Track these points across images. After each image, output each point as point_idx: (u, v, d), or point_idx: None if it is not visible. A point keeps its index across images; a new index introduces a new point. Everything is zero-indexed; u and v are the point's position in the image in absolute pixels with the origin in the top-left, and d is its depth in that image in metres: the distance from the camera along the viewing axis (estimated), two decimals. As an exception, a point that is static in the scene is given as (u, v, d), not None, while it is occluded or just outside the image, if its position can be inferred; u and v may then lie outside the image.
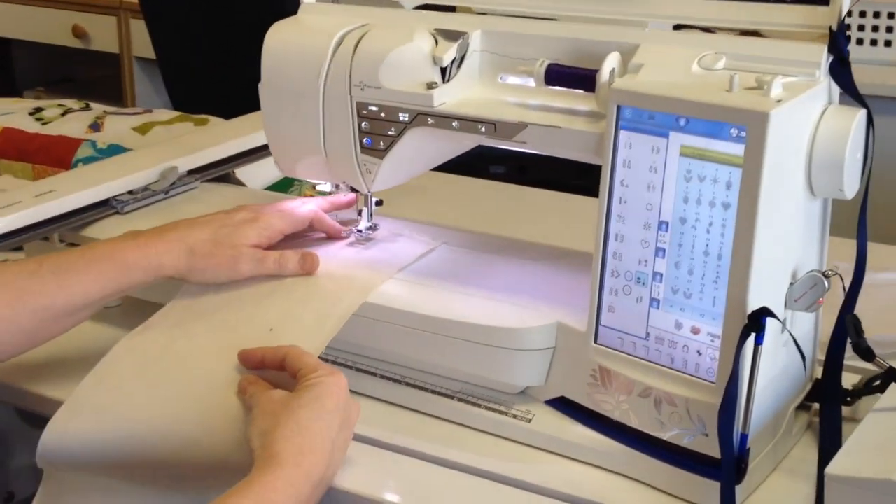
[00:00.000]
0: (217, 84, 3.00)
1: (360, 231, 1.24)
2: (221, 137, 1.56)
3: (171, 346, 1.09)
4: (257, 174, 1.58)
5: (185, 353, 1.08)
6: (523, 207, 1.64)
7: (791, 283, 0.97)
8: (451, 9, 1.20)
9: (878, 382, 1.05)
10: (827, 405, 1.06)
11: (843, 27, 0.96)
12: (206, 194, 1.46)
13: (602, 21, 1.06)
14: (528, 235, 1.26)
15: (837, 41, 0.96)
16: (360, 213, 1.24)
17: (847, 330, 0.99)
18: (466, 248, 1.22)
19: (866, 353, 0.99)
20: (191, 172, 1.48)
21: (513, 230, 1.30)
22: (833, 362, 1.05)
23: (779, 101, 0.90)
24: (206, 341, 1.09)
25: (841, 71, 0.97)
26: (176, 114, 2.00)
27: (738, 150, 0.91)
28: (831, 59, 0.97)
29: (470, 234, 1.25)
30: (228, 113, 2.05)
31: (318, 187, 1.26)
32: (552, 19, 1.10)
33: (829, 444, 1.03)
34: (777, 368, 0.98)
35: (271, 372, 1.03)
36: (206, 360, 1.07)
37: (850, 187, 0.97)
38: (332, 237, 1.23)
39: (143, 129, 1.91)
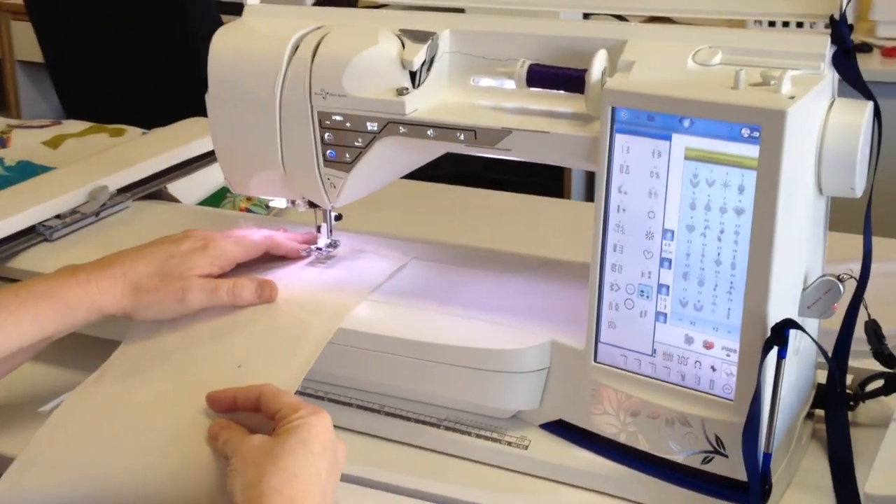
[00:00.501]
0: (116, 88, 2.87)
1: (319, 249, 1.15)
2: (150, 151, 1.45)
3: (129, 395, 0.99)
4: (190, 189, 1.48)
5: (144, 400, 0.98)
6: (492, 213, 1.57)
7: (804, 289, 0.92)
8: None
9: (876, 384, 1.01)
10: (833, 412, 1.01)
11: (845, 16, 0.91)
12: (139, 214, 1.36)
13: (584, 15, 0.99)
14: (503, 244, 1.19)
15: (840, 31, 0.90)
16: (318, 229, 1.16)
17: (867, 335, 0.94)
18: (439, 262, 1.14)
19: (888, 360, 0.94)
20: (121, 191, 1.37)
21: (486, 239, 1.23)
22: (838, 367, 1.00)
23: (792, 97, 0.84)
24: (166, 385, 0.99)
25: (845, 62, 0.91)
26: (87, 124, 1.88)
27: (750, 151, 0.85)
28: (834, 49, 0.91)
29: (441, 246, 1.17)
30: (132, 119, 1.94)
31: (271, 204, 1.16)
32: (528, 15, 1.02)
33: (839, 454, 0.99)
34: (791, 379, 0.93)
35: (244, 414, 0.94)
36: (169, 406, 0.97)
37: (860, 185, 0.92)
38: (289, 258, 1.14)
39: (53, 143, 1.80)
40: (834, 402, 1.01)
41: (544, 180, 3.13)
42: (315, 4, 1.12)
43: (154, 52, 2.78)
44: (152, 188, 1.41)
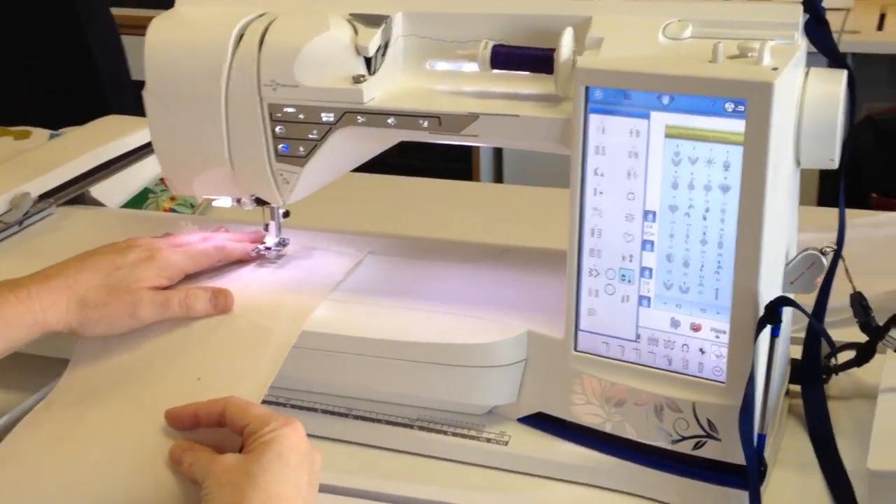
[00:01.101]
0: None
1: (269, 248, 1.10)
2: (70, 153, 1.37)
3: (83, 419, 0.92)
4: (113, 191, 1.41)
5: (100, 422, 0.92)
6: (444, 203, 1.53)
7: (786, 264, 0.90)
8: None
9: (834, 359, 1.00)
10: (810, 387, 1.00)
11: (816, -17, 0.89)
12: (64, 220, 1.28)
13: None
14: (460, 234, 1.15)
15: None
16: (266, 227, 1.10)
17: (853, 308, 0.93)
18: (396, 255, 1.09)
19: (876, 332, 0.93)
20: (42, 197, 1.29)
21: (440, 229, 1.19)
22: (813, 341, 0.99)
23: (775, 68, 0.82)
24: (123, 405, 0.93)
25: (818, 31, 0.89)
26: (-12, 127, 1.78)
27: (735, 126, 0.82)
28: (806, 18, 0.89)
29: (395, 239, 1.12)
30: (29, 119, 1.85)
31: (215, 203, 1.10)
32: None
33: (819, 429, 0.98)
34: (780, 358, 0.91)
35: (207, 430, 0.88)
36: (127, 429, 0.90)
37: (838, 155, 0.90)
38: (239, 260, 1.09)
39: (-46, 149, 1.69)
40: (811, 378, 0.99)
41: (452, 164, 3.11)
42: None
43: (42, 51, 2.67)
44: (75, 192, 1.33)
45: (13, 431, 0.92)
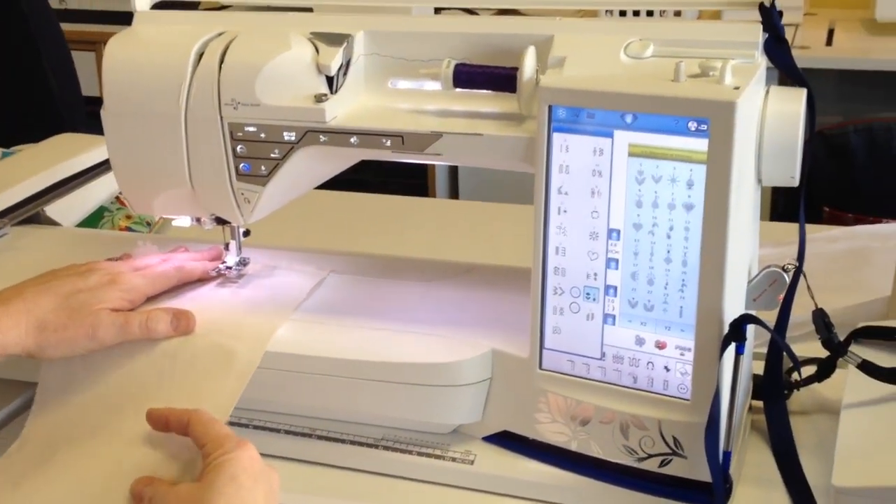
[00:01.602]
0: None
1: (229, 268, 1.09)
2: (24, 171, 1.36)
3: (53, 458, 0.91)
4: (68, 210, 1.39)
5: (68, 457, 0.90)
6: (402, 219, 1.52)
7: (749, 282, 0.91)
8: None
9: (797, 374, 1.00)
10: (772, 403, 1.00)
11: (774, 2, 0.90)
12: (20, 240, 1.26)
13: (501, 12, 0.95)
14: (420, 251, 1.15)
15: (772, 17, 0.89)
16: (226, 246, 1.09)
17: (816, 325, 0.94)
18: (358, 274, 1.09)
19: (839, 348, 0.94)
20: (-3, 216, 1.28)
21: (400, 246, 1.18)
22: (775, 357, 0.99)
23: (737, 87, 0.82)
24: (93, 440, 0.91)
25: (778, 49, 0.90)
26: (-63, 145, 1.75)
27: (698, 145, 0.83)
28: (765, 37, 0.90)
29: (358, 257, 1.12)
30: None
31: (175, 223, 1.09)
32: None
33: (782, 445, 0.98)
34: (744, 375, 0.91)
35: (176, 437, 0.87)
36: (94, 461, 0.89)
37: (798, 173, 0.91)
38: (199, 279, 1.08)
39: None
40: (774, 394, 1.00)
41: (408, 179, 3.11)
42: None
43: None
44: (30, 212, 1.31)
45: None
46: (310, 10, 1.05)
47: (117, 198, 1.48)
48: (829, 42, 2.87)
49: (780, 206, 2.16)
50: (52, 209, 1.36)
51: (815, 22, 3.03)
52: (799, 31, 2.86)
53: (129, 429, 0.90)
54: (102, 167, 1.42)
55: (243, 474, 0.81)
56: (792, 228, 1.33)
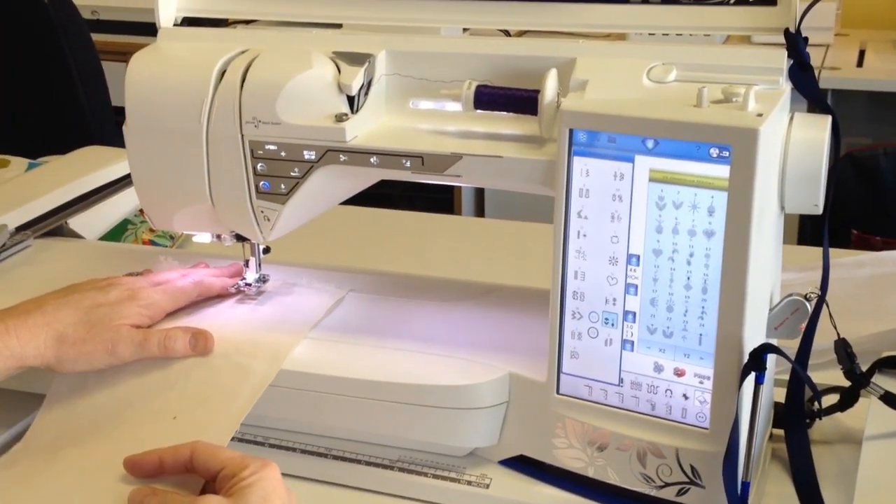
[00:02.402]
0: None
1: (248, 284, 1.09)
2: (48, 184, 1.37)
3: (56, 457, 0.90)
4: (92, 223, 1.39)
5: (73, 463, 0.90)
6: (425, 237, 1.52)
7: (770, 310, 0.89)
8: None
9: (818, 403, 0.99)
10: (793, 432, 0.99)
11: (800, 29, 0.89)
12: (42, 253, 1.27)
13: (527, 34, 0.95)
14: (442, 269, 1.14)
15: (797, 43, 0.88)
16: (246, 263, 1.09)
17: (838, 355, 0.92)
18: (378, 293, 1.08)
19: (861, 380, 0.93)
20: (19, 229, 1.28)
21: (425, 266, 1.18)
22: (796, 386, 0.98)
23: (760, 114, 0.82)
24: (96, 445, 0.91)
25: (802, 76, 0.89)
26: (-34, 156, 1.77)
27: (719, 171, 0.82)
28: (790, 63, 0.89)
29: (378, 275, 1.11)
30: (8, 145, 1.83)
31: (195, 239, 1.09)
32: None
33: (803, 476, 0.96)
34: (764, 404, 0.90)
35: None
36: (100, 469, 0.89)
37: (822, 200, 0.90)
38: (218, 295, 1.08)
39: (-68, 177, 1.67)
40: (795, 423, 0.99)
41: (434, 195, 3.10)
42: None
43: (25, 79, 2.66)
44: (53, 224, 1.32)
45: None
46: (339, 25, 1.05)
47: (141, 211, 1.49)
48: (859, 63, 2.85)
49: (808, 229, 2.14)
50: (76, 222, 1.36)
51: (846, 43, 3.01)
52: (830, 52, 2.84)
53: (135, 435, 0.89)
54: (127, 180, 1.43)
55: (274, 495, 0.81)
56: (818, 253, 1.32)
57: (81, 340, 0.95)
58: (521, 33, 1.97)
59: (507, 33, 1.89)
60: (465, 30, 1.57)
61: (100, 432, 0.93)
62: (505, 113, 0.93)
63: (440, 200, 3.11)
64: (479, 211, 3.21)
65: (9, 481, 0.89)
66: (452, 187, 3.14)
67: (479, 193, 3.20)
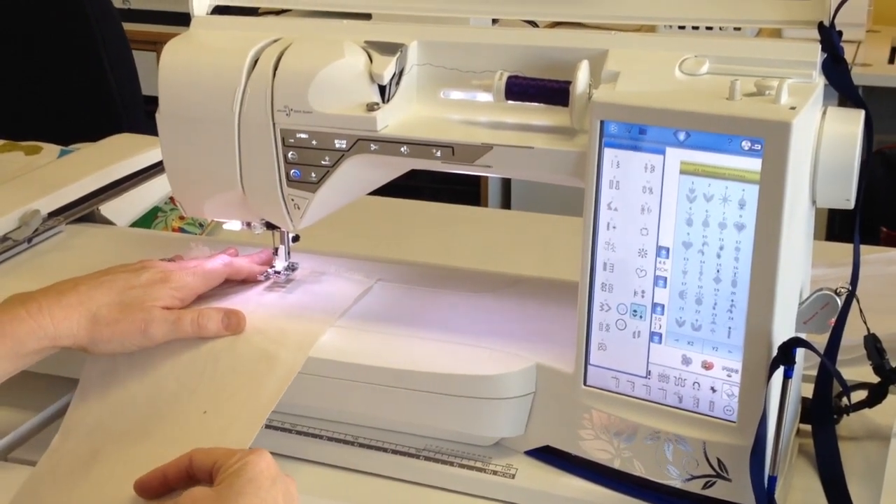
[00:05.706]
0: (14, 102, 2.75)
1: (278, 273, 1.09)
2: (80, 171, 1.37)
3: (96, 460, 0.91)
4: (123, 210, 1.40)
5: (114, 463, 0.91)
6: (453, 228, 1.52)
7: (800, 304, 0.89)
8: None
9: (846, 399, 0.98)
10: (820, 428, 0.99)
11: (834, 22, 0.89)
12: (74, 239, 1.28)
13: (558, 25, 0.95)
14: (469, 260, 1.14)
15: (831, 37, 0.88)
16: (276, 251, 1.10)
17: (868, 351, 0.92)
18: (406, 283, 1.09)
19: (890, 375, 0.92)
20: (51, 215, 1.29)
21: (452, 257, 1.18)
22: (825, 381, 0.98)
23: (793, 108, 0.81)
24: (134, 445, 0.92)
25: (836, 70, 0.89)
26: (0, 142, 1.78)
27: (751, 164, 0.81)
28: (824, 57, 0.89)
29: (406, 265, 1.12)
30: (40, 133, 1.85)
31: (226, 226, 1.10)
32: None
33: (830, 471, 0.96)
34: (792, 398, 0.90)
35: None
36: (137, 466, 0.90)
37: (854, 195, 0.89)
38: (247, 282, 1.08)
39: (-35, 163, 1.69)
40: (822, 418, 0.98)
41: (460, 187, 3.10)
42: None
43: (57, 67, 2.68)
44: (85, 210, 1.33)
45: (34, 472, 0.92)
46: (368, 16, 1.05)
47: (171, 198, 1.50)
48: (891, 60, 2.83)
49: (836, 225, 2.13)
50: (107, 208, 1.37)
51: (877, 39, 2.99)
52: (861, 48, 2.82)
53: (166, 434, 0.90)
54: (157, 168, 1.44)
55: (261, 476, 0.81)
56: (847, 249, 1.32)
57: (115, 321, 0.95)
58: (552, 26, 1.97)
59: (534, 25, 1.90)
60: (494, 21, 1.58)
61: (135, 431, 0.93)
62: (536, 104, 0.93)
63: (466, 193, 3.11)
64: (506, 203, 3.21)
65: (53, 488, 0.90)
66: (479, 179, 3.14)
67: (506, 186, 3.20)
